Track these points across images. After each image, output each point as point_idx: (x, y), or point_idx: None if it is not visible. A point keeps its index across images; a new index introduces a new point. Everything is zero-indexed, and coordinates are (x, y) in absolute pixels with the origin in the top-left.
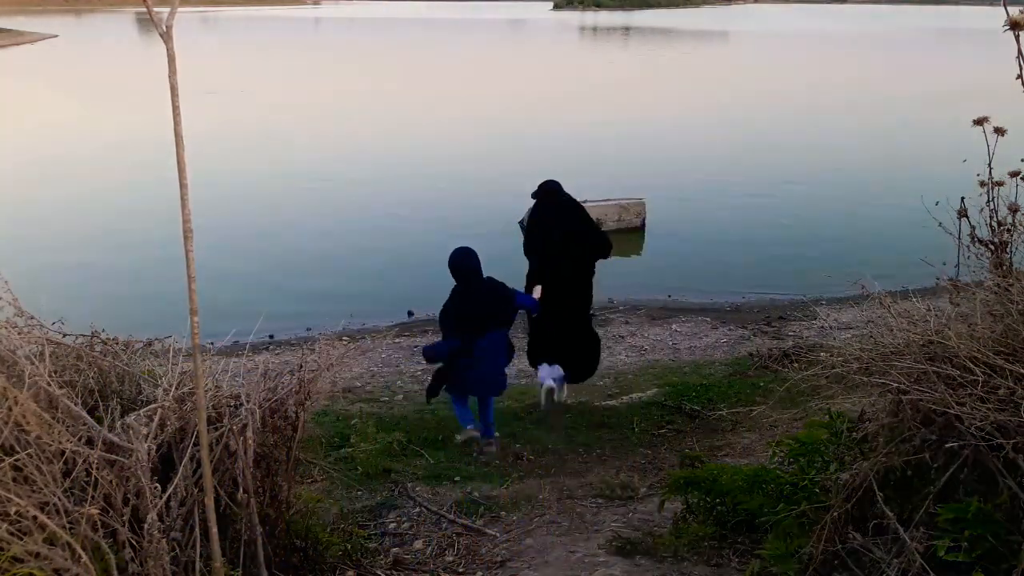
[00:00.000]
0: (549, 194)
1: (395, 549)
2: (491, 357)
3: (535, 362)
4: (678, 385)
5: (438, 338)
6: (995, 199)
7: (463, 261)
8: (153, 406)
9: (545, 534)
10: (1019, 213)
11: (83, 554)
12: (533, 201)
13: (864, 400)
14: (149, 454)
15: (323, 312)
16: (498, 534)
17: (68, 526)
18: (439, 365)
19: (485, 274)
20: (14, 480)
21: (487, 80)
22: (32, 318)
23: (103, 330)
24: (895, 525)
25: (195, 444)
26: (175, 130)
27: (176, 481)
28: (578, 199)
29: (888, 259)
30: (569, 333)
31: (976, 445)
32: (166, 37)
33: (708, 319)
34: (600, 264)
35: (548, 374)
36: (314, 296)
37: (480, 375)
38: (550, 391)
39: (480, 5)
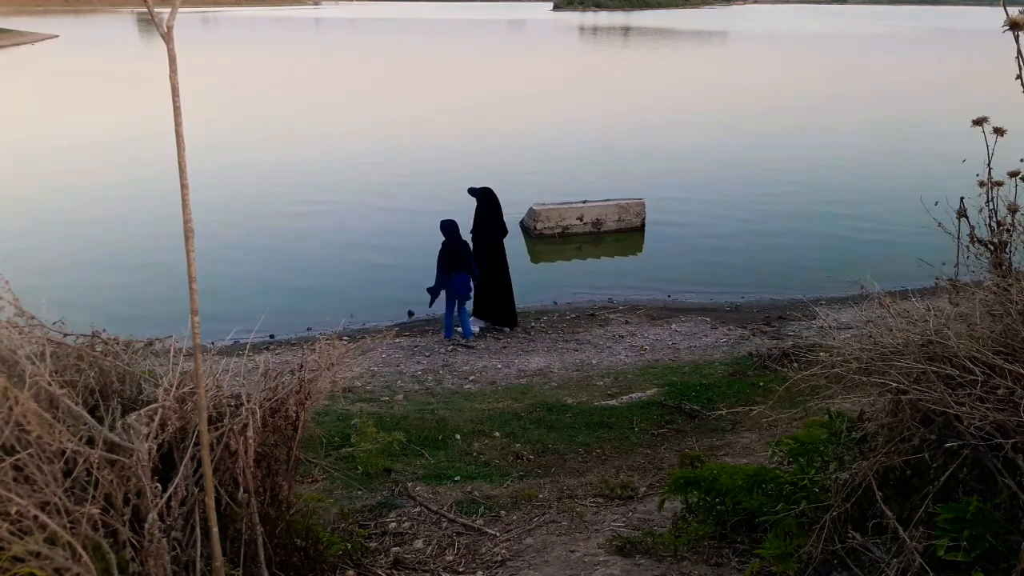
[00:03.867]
0: (489, 194)
1: (395, 548)
2: (463, 282)
3: (479, 315)
4: (678, 385)
5: (437, 338)
6: (994, 199)
7: (454, 226)
8: (154, 406)
9: (545, 533)
10: (1018, 213)
11: (84, 553)
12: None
13: (863, 400)
14: (150, 454)
15: (323, 312)
16: (498, 533)
17: (69, 526)
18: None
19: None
20: (15, 480)
21: (487, 81)
22: (33, 318)
23: (104, 330)
24: (894, 525)
25: (196, 444)
26: (176, 130)
27: (177, 481)
28: (579, 199)
29: (888, 259)
30: (498, 291)
31: (975, 445)
32: (167, 37)
33: (708, 319)
34: (600, 264)
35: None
36: (314, 296)
37: (457, 287)
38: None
39: (480, 6)
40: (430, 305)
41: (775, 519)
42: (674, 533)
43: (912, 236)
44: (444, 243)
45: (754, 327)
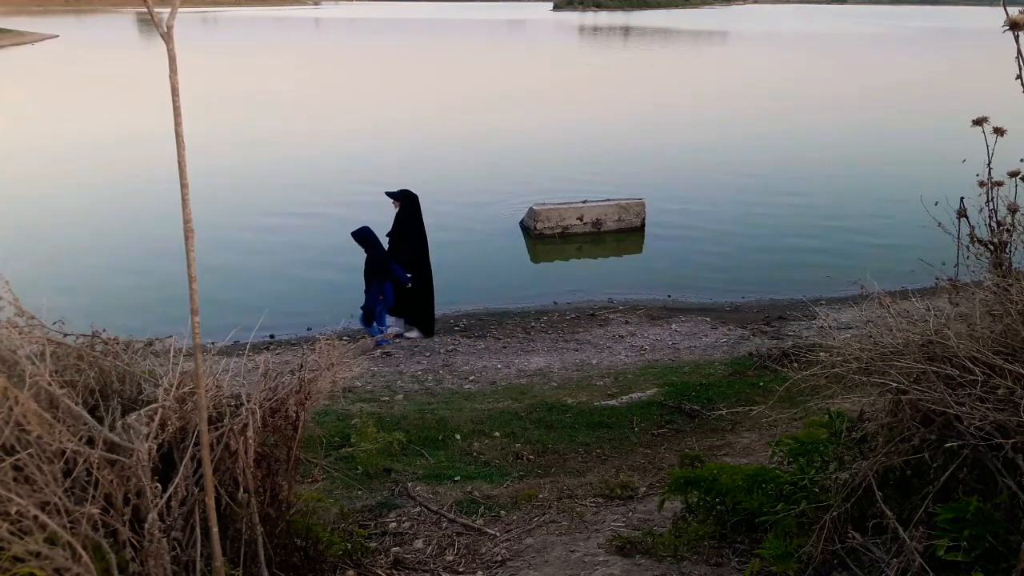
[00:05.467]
0: (413, 199)
1: (395, 549)
2: (391, 291)
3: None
4: (678, 385)
5: (437, 338)
6: (994, 199)
7: (372, 233)
8: (154, 406)
9: (545, 533)
10: (1018, 213)
11: (84, 554)
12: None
13: (863, 400)
14: (150, 454)
15: (323, 312)
16: (498, 533)
17: (69, 526)
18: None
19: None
20: (15, 480)
21: (487, 81)
22: (33, 318)
23: (104, 330)
24: (894, 525)
25: (196, 444)
26: (176, 130)
27: (177, 481)
28: (579, 199)
29: (888, 259)
30: (424, 297)
31: (975, 445)
32: (167, 37)
33: (708, 319)
34: (600, 264)
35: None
36: (314, 296)
37: (389, 296)
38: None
39: (480, 6)
40: (368, 324)
41: (775, 519)
42: (674, 533)
43: (912, 236)
44: (371, 253)
45: (754, 327)
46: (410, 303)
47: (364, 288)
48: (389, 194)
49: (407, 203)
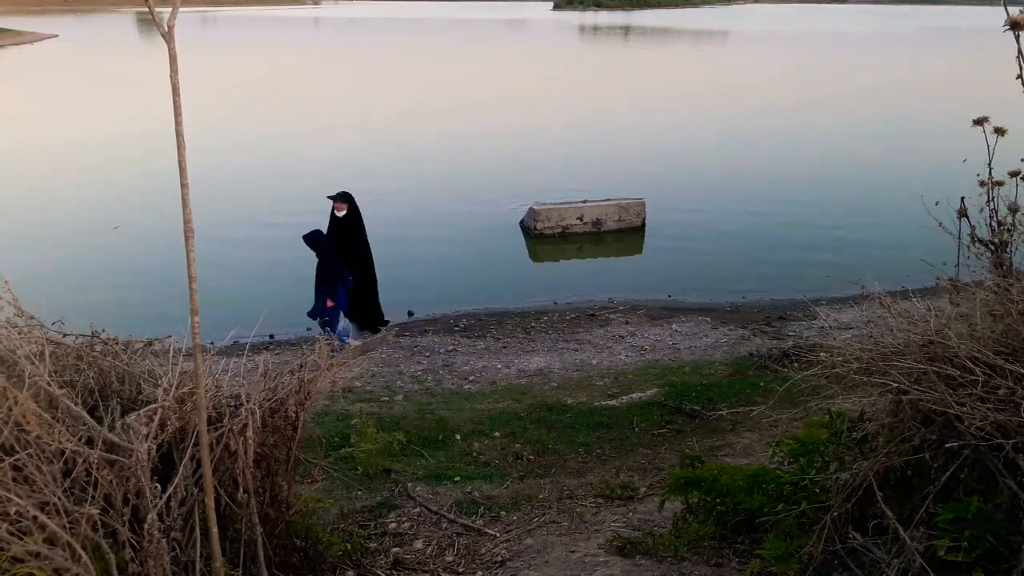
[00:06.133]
0: (353, 199)
1: (395, 549)
2: (343, 295)
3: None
4: (678, 385)
5: (437, 338)
6: (995, 199)
7: (324, 237)
8: (153, 406)
9: (545, 534)
10: (1019, 213)
11: (83, 554)
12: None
13: (864, 400)
14: (149, 454)
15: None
16: (498, 534)
17: (68, 526)
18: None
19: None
20: (14, 480)
21: (487, 80)
22: (32, 318)
23: (103, 330)
24: (895, 525)
25: (195, 444)
26: (176, 129)
27: (176, 481)
28: (579, 199)
29: (888, 259)
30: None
31: (976, 445)
32: (167, 37)
33: (708, 319)
34: (600, 264)
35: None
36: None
37: (342, 301)
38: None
39: (480, 5)
40: (334, 328)
41: (775, 519)
42: (674, 533)
43: (913, 236)
44: (323, 257)
45: (754, 327)
46: (357, 304)
47: (314, 293)
48: (332, 197)
49: (351, 203)
